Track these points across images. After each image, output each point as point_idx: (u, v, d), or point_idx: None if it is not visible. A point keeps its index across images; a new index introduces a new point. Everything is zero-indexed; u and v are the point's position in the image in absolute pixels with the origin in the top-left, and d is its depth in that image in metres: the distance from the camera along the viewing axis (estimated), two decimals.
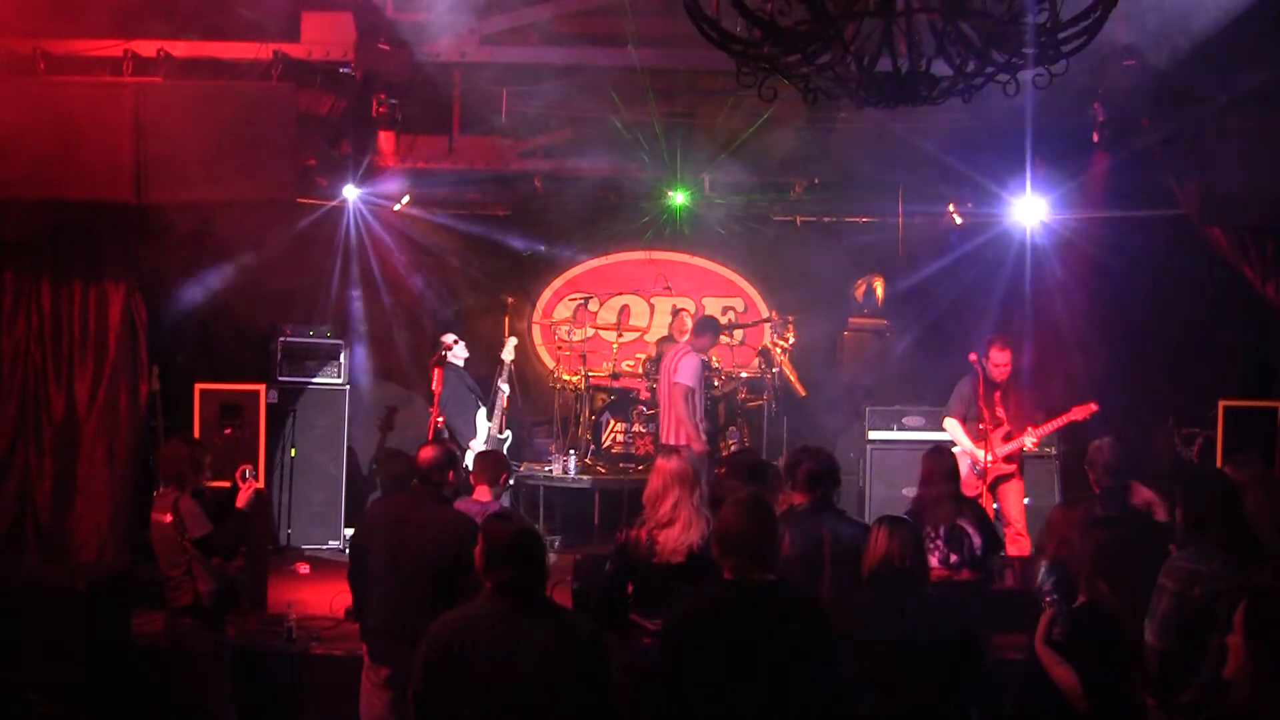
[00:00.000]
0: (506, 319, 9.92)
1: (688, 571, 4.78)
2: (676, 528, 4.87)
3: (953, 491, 5.83)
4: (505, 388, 9.14)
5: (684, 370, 8.24)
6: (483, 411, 9.13)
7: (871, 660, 3.95)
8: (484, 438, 8.99)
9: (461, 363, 9.21)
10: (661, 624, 4.69)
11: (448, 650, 3.58)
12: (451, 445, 5.52)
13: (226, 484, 5.89)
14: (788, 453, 5.36)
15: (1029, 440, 7.74)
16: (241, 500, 5.78)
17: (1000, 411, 7.77)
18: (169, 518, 5.43)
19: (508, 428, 9.23)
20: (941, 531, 5.25)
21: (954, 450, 7.65)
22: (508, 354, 9.27)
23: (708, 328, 8.63)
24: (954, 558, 5.22)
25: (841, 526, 4.93)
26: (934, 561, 5.13)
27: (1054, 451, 8.76)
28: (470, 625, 3.63)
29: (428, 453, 5.26)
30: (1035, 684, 4.23)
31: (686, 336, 9.24)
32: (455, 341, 9.15)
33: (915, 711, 3.93)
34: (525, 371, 9.71)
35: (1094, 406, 7.61)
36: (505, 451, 8.70)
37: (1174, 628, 4.23)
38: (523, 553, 3.67)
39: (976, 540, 5.48)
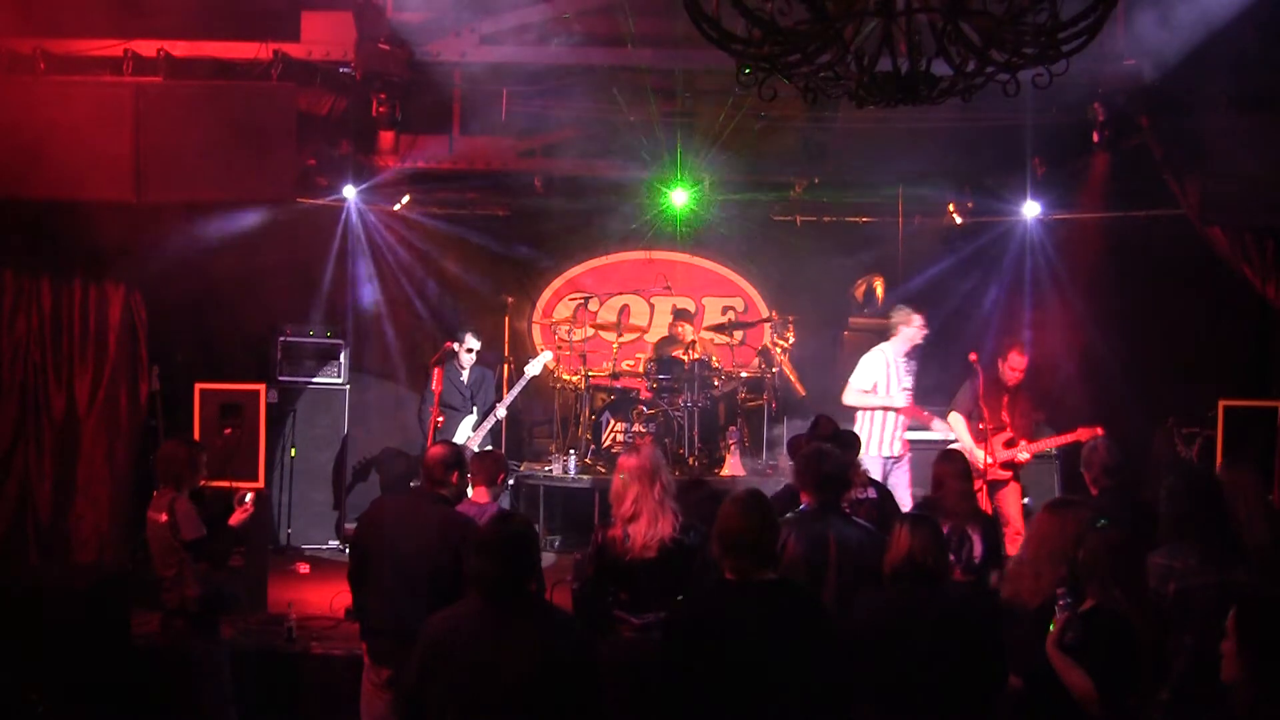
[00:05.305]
0: (506, 319, 9.92)
1: (661, 565, 4.79)
2: (642, 523, 4.88)
3: (964, 491, 5.84)
4: (502, 412, 8.89)
5: None
6: (469, 420, 8.86)
7: (893, 657, 3.95)
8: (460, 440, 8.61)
9: (466, 367, 8.99)
10: (643, 621, 4.73)
11: (435, 649, 3.58)
12: (461, 447, 5.48)
13: (225, 484, 5.87)
14: (801, 451, 5.34)
15: (1022, 455, 7.74)
16: (234, 520, 5.76)
17: (1005, 416, 7.77)
18: (164, 517, 5.43)
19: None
20: (944, 530, 5.25)
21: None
22: (534, 369, 9.00)
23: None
24: (949, 558, 5.21)
25: (848, 530, 4.92)
26: None
27: (1054, 452, 8.75)
28: (457, 624, 3.61)
29: (435, 452, 5.25)
30: (1038, 690, 4.20)
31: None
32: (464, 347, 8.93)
33: (939, 708, 3.93)
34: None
35: (1100, 430, 7.46)
36: None
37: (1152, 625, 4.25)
38: (509, 553, 3.63)
39: (978, 548, 5.49)
